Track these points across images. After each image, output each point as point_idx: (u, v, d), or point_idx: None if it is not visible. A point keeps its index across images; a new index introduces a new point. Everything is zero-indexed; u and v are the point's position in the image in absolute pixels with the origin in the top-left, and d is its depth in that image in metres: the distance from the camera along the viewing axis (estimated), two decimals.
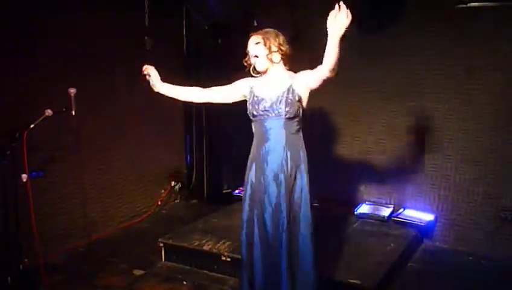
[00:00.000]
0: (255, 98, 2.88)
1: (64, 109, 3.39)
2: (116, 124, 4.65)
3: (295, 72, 2.87)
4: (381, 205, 4.76)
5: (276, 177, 2.82)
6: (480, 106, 4.24)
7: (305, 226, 2.83)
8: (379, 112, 4.72)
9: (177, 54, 5.36)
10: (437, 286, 3.76)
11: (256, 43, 2.83)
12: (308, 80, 2.77)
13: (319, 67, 2.65)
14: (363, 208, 4.76)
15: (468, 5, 4.14)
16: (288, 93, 2.78)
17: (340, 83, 4.72)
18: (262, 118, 2.85)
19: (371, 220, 4.56)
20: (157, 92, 3.12)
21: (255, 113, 2.87)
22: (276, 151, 2.82)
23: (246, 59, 2.91)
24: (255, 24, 5.11)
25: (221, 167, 5.53)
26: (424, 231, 4.41)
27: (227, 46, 5.22)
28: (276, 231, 2.81)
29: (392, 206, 4.71)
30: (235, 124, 5.43)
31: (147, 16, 4.80)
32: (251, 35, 2.87)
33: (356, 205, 4.80)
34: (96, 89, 4.30)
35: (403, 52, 4.50)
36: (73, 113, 3.41)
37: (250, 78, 2.97)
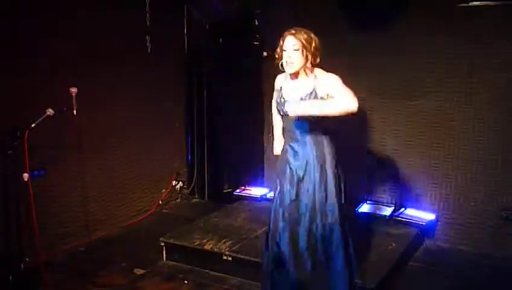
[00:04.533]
0: (281, 99, 2.98)
1: (65, 109, 3.40)
2: (117, 123, 4.65)
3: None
4: (382, 204, 4.75)
5: (302, 172, 2.93)
6: (481, 105, 4.23)
7: (331, 221, 2.92)
8: (380, 111, 4.72)
9: (178, 53, 5.36)
10: (438, 285, 3.76)
11: (295, 49, 2.83)
12: (331, 91, 2.84)
13: (343, 96, 2.79)
14: (364, 207, 4.75)
15: (470, 4, 4.13)
16: (310, 97, 2.86)
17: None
18: (288, 118, 2.94)
19: (372, 220, 4.55)
20: None
21: (281, 112, 2.98)
22: (302, 148, 2.95)
23: (279, 52, 2.91)
24: (256, 23, 5.12)
25: (222, 167, 5.53)
26: (425, 231, 4.40)
27: (228, 46, 5.23)
28: (300, 225, 2.93)
29: (393, 205, 4.70)
30: (237, 124, 5.45)
31: (148, 15, 4.81)
32: (289, 33, 2.86)
33: (357, 204, 4.79)
34: (97, 89, 4.31)
35: (403, 51, 4.49)
36: (75, 112, 3.42)
37: (280, 76, 3.07)
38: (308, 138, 2.94)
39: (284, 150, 3.07)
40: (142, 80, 4.81)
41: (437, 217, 4.48)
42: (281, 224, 2.98)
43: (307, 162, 2.93)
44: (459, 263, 4.09)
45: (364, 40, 4.57)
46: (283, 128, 3.11)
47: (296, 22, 4.71)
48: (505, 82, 4.11)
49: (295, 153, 2.96)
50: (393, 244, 4.02)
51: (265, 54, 5.18)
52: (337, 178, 2.98)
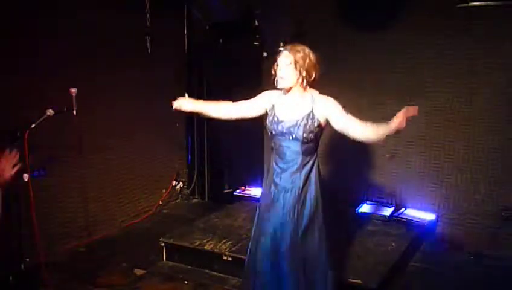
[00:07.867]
0: (275, 118, 2.88)
1: (65, 109, 3.40)
2: (117, 123, 4.65)
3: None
4: (383, 204, 4.76)
5: (286, 192, 2.85)
6: (481, 105, 4.23)
7: (319, 236, 2.87)
8: (380, 111, 4.70)
9: (178, 54, 5.36)
10: (438, 285, 3.76)
11: (287, 64, 2.77)
12: (330, 116, 2.79)
13: (356, 122, 2.79)
14: (365, 208, 4.76)
15: (470, 4, 4.14)
16: (307, 119, 2.79)
17: (341, 81, 4.73)
18: (280, 137, 2.86)
19: (372, 220, 4.55)
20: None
21: (273, 132, 2.88)
22: (290, 170, 2.84)
23: (274, 68, 2.85)
24: (256, 23, 5.13)
25: (222, 167, 5.53)
26: (425, 231, 4.41)
27: (228, 46, 5.23)
28: (280, 248, 2.84)
29: (394, 205, 4.71)
30: (237, 124, 5.45)
31: (148, 15, 4.81)
32: (285, 49, 2.80)
33: (357, 204, 4.79)
34: (97, 89, 4.31)
35: (404, 51, 4.50)
36: (75, 113, 3.42)
37: (273, 91, 2.96)
38: (297, 159, 2.84)
39: (270, 171, 2.97)
40: (142, 80, 4.80)
41: (437, 217, 4.48)
42: (260, 253, 2.91)
43: (292, 183, 2.84)
44: (459, 263, 4.09)
45: (364, 40, 4.58)
46: (271, 148, 2.97)
47: (295, 23, 4.76)
48: (505, 82, 4.12)
49: (282, 172, 2.87)
50: (393, 244, 4.03)
51: (265, 54, 5.18)
52: (317, 202, 2.89)
